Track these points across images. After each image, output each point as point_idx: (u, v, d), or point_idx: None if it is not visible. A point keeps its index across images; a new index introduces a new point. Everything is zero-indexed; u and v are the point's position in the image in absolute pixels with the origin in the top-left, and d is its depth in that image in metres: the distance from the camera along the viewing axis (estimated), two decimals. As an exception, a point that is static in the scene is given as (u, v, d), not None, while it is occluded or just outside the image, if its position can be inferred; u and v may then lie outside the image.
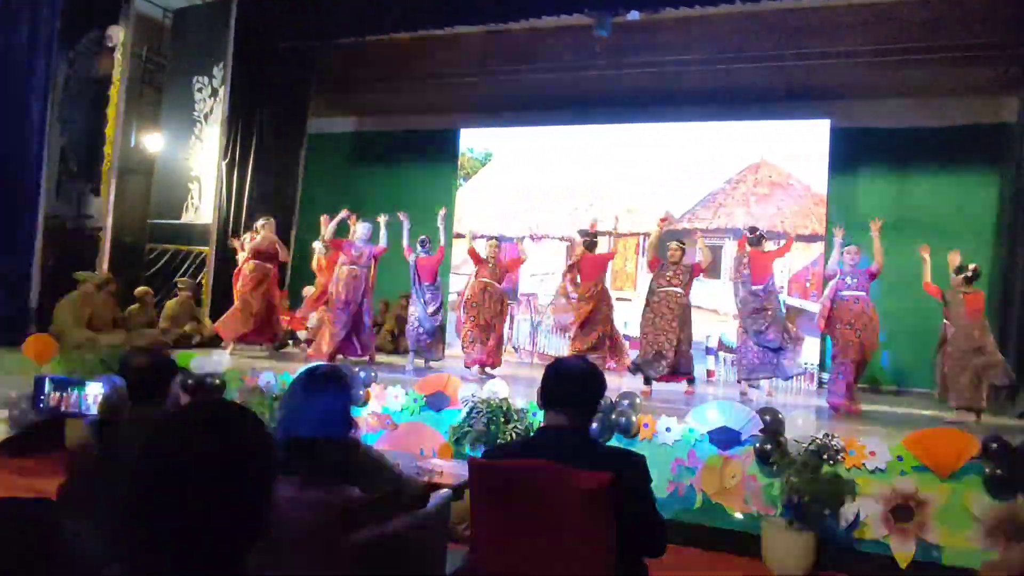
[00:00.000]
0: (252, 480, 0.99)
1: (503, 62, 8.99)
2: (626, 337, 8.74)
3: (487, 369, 6.61)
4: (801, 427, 4.26)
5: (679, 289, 6.03)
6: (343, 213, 7.04)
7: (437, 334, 7.12)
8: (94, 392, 1.90)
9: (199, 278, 8.18)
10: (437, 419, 5.05)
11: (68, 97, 8.11)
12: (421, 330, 6.96)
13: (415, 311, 7.01)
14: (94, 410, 1.88)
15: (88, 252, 7.83)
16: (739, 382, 6.28)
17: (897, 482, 4.01)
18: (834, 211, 8.54)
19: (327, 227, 7.10)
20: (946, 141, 8.21)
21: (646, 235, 9.05)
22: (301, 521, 2.06)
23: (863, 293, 5.70)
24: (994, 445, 3.97)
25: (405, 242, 7.11)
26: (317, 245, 7.83)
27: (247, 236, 7.57)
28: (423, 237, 7.15)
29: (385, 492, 2.30)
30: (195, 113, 8.46)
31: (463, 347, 6.75)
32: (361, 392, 5.21)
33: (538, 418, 4.64)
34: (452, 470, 3.21)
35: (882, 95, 8.41)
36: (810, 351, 8.20)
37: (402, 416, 5.14)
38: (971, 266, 5.79)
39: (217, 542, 0.95)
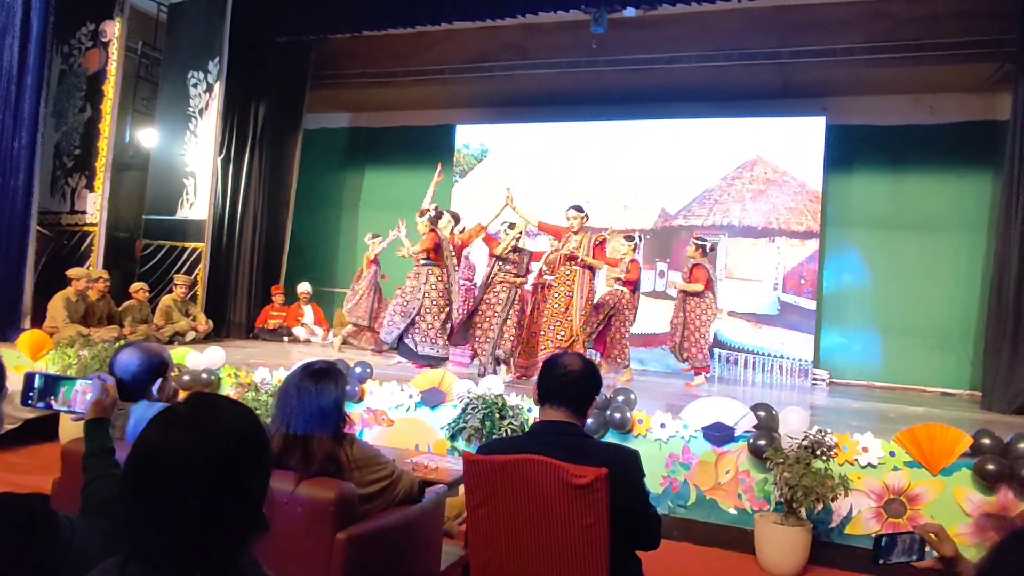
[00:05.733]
0: (248, 474, 1.00)
1: (499, 58, 8.98)
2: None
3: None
4: (794, 423, 4.28)
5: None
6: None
7: None
8: (83, 389, 1.89)
9: (194, 274, 8.17)
10: (432, 415, 5.06)
11: (63, 92, 8.08)
12: None
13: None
14: (83, 407, 1.86)
15: (82, 248, 7.81)
16: None
17: (889, 477, 4.04)
18: (829, 208, 8.57)
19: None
20: (941, 138, 8.24)
21: (642, 231, 9.06)
22: (295, 516, 2.07)
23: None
24: (986, 440, 4.00)
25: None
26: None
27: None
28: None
29: (380, 488, 2.31)
30: (190, 108, 8.43)
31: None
32: (357, 388, 5.21)
33: (532, 414, 4.65)
34: (447, 466, 3.21)
35: (877, 92, 8.43)
36: (805, 348, 8.24)
37: (397, 412, 5.15)
38: (708, 243, 6.76)
39: (214, 536, 0.96)
